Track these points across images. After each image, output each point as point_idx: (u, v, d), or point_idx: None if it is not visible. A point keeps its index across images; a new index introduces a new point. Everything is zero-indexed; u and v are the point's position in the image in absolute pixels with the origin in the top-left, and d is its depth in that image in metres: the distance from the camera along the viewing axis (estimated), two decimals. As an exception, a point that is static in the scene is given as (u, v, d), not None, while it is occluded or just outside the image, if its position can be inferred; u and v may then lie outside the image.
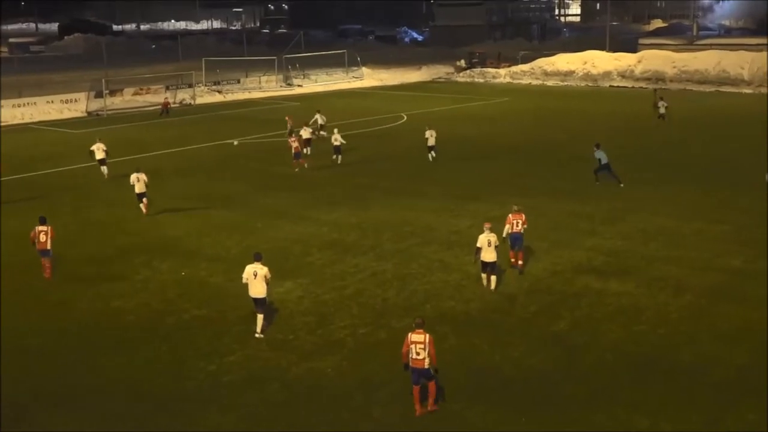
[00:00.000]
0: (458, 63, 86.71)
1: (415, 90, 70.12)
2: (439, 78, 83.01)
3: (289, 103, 61.97)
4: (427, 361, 14.52)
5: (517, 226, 21.28)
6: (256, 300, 17.94)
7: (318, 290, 20.65)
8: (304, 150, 36.55)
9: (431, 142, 36.39)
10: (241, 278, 18.02)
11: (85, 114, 57.38)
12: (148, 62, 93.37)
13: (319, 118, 42.41)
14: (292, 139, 35.77)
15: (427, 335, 14.59)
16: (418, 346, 14.54)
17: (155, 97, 62.50)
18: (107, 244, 25.06)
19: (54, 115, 56.04)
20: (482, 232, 19.87)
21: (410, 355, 14.56)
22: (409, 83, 78.55)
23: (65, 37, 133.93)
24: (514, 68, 77.49)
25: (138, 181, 29.09)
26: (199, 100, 64.08)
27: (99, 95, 59.48)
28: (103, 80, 59.92)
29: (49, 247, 21.76)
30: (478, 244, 19.84)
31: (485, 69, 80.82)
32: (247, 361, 16.95)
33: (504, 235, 21.20)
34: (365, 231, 25.67)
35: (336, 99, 65.54)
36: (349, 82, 78.34)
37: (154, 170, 35.99)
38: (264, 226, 26.57)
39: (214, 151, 41.14)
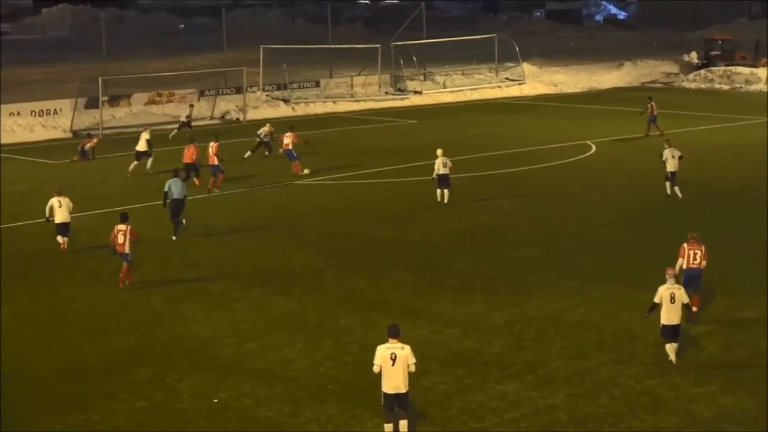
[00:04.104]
0: (686, 57, 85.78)
1: (610, 102, 69.93)
2: (653, 82, 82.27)
3: (400, 121, 62.64)
4: None
5: (695, 259, 25.82)
6: (396, 396, 19.52)
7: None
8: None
9: (671, 165, 38.95)
10: (375, 366, 19.61)
11: (70, 134, 59.55)
12: (172, 51, 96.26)
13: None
14: None
15: None
16: None
17: (183, 108, 63.86)
18: (92, 344, 25.60)
19: (21, 136, 58.47)
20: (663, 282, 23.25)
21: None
22: (600, 90, 78.25)
23: (44, 10, 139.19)
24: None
25: (60, 207, 33.03)
26: (253, 114, 65.80)
27: (93, 104, 61.66)
28: (100, 80, 61.84)
29: (127, 250, 29.20)
30: (657, 299, 23.44)
31: (733, 67, 79.68)
32: None
33: (676, 270, 24.96)
34: (520, 338, 25.60)
35: (477, 115, 65.97)
36: (500, 87, 78.82)
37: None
38: (349, 324, 26.70)
39: (271, 197, 42.08)
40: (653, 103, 54.74)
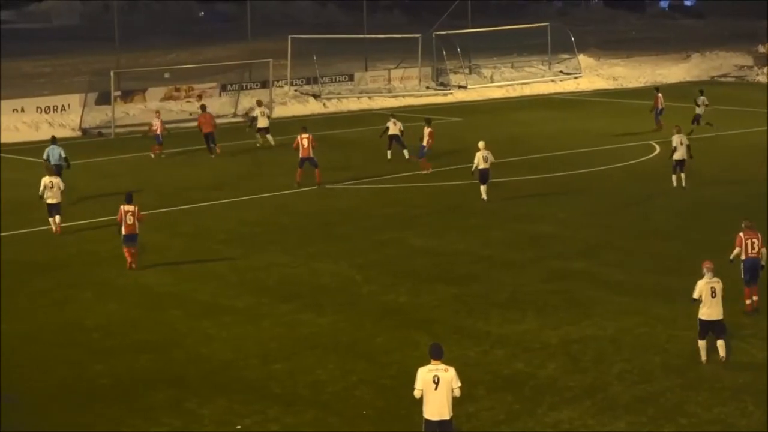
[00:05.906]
0: (761, 48, 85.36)
1: (677, 98, 69.14)
2: (724, 76, 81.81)
3: (442, 119, 62.82)
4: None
5: (753, 248, 27.03)
6: (439, 424, 19.27)
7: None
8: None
9: (680, 154, 41.78)
10: (417, 391, 19.39)
11: (79, 132, 60.00)
12: (191, 42, 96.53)
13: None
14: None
15: None
16: None
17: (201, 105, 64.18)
18: (102, 365, 25.61)
19: (25, 134, 58.74)
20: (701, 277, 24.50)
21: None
22: (665, 85, 78.01)
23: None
24: None
25: (51, 188, 36.76)
26: (280, 111, 65.99)
27: (104, 100, 62.05)
28: (112, 73, 62.26)
29: (138, 231, 32.44)
30: (695, 294, 24.56)
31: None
32: None
33: (732, 259, 27.28)
34: (577, 360, 25.51)
35: (528, 112, 66.09)
36: (554, 81, 78.77)
37: (196, 233, 37.18)
38: (387, 343, 26.68)
39: (300, 202, 42.29)
40: (660, 95, 57.31)
